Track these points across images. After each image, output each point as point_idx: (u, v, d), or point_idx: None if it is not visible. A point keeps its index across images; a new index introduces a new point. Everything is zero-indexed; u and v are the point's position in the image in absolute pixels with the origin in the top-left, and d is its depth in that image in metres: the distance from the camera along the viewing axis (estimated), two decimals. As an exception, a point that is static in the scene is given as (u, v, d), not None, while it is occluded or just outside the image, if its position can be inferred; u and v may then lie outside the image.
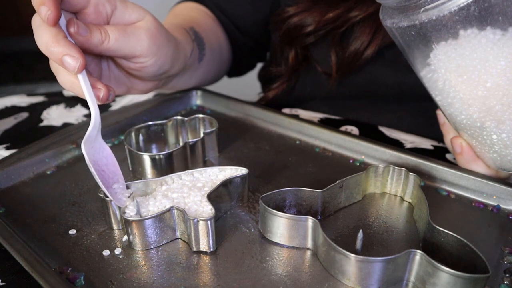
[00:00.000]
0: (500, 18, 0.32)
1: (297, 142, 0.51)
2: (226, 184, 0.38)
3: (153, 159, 0.43)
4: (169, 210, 0.35)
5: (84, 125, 0.52)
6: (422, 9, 0.33)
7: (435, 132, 0.50)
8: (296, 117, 0.54)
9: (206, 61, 0.61)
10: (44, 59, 0.38)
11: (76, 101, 0.66)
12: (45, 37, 0.35)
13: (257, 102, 0.72)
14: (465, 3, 0.32)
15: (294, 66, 0.65)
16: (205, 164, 0.47)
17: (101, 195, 0.36)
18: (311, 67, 0.64)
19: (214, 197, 0.37)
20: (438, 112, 0.44)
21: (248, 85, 0.93)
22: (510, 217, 0.39)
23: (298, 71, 0.66)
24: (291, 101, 0.68)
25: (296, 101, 0.68)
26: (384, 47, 0.56)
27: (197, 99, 0.61)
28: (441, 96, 0.38)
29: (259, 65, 0.83)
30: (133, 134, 0.47)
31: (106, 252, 0.35)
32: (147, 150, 0.49)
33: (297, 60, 0.64)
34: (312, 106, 0.66)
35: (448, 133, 0.44)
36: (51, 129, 0.58)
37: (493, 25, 0.33)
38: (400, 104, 0.61)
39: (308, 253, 0.35)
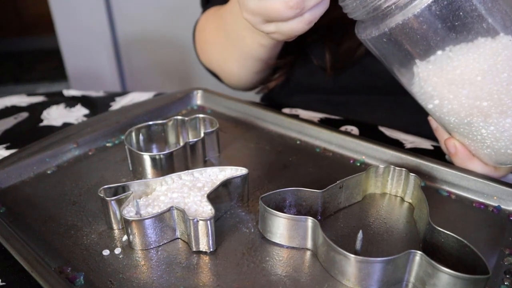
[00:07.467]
0: (461, 13, 0.33)
1: (297, 142, 0.51)
2: (226, 184, 0.38)
3: (153, 159, 0.43)
4: (169, 210, 0.35)
5: (84, 125, 0.52)
6: (389, 16, 0.35)
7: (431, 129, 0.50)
8: (296, 117, 0.54)
9: None
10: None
11: (76, 101, 0.66)
12: None
13: (259, 91, 0.75)
14: (425, 4, 0.33)
15: (292, 59, 0.68)
16: (205, 164, 0.47)
17: (101, 195, 0.36)
18: (309, 59, 0.67)
19: (214, 197, 0.37)
20: (429, 118, 0.44)
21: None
22: (511, 218, 0.39)
23: (296, 63, 0.69)
24: (289, 92, 0.71)
25: (294, 92, 0.70)
26: None
27: (197, 99, 0.61)
28: (425, 101, 0.39)
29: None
30: (133, 134, 0.47)
31: (106, 252, 0.35)
32: (148, 150, 0.49)
33: (295, 54, 0.67)
34: (308, 102, 0.67)
35: (442, 138, 0.44)
36: (51, 129, 0.58)
37: (465, 27, 0.33)
38: (395, 96, 0.62)
39: (308, 253, 0.35)
